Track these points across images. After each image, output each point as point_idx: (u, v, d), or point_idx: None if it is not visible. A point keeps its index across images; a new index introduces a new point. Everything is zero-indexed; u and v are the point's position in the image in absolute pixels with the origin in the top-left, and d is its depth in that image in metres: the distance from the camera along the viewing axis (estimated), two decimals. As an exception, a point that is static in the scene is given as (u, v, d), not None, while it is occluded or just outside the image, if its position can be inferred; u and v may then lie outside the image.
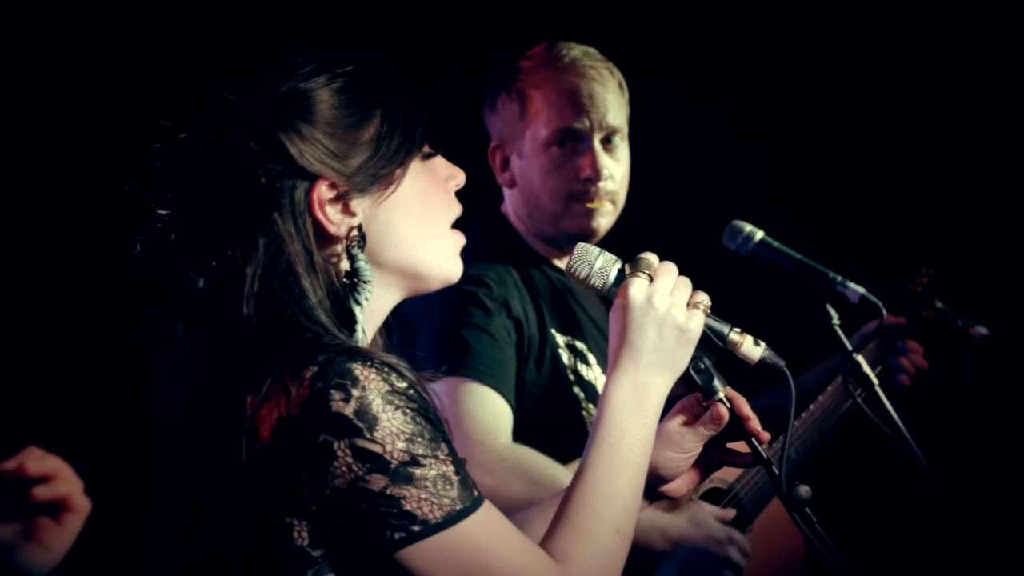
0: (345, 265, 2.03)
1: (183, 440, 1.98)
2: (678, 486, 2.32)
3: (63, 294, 3.75)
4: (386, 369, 1.89)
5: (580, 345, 3.43)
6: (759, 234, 3.29)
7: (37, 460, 1.54)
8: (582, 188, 3.45)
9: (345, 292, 2.01)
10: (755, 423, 2.22)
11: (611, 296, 2.16)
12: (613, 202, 3.47)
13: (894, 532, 4.36)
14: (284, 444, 1.86)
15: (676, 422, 2.25)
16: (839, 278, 3.26)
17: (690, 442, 2.25)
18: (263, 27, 3.87)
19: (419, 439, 1.87)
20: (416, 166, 2.09)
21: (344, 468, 1.85)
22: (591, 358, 3.43)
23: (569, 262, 2.18)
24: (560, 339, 3.42)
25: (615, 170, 3.46)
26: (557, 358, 3.38)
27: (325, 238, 2.02)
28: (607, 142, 3.47)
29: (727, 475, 3.48)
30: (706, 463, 2.32)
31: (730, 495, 3.44)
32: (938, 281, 3.51)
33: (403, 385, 1.89)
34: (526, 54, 3.54)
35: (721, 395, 2.21)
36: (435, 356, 3.04)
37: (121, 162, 2.07)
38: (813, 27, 4.61)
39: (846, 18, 4.62)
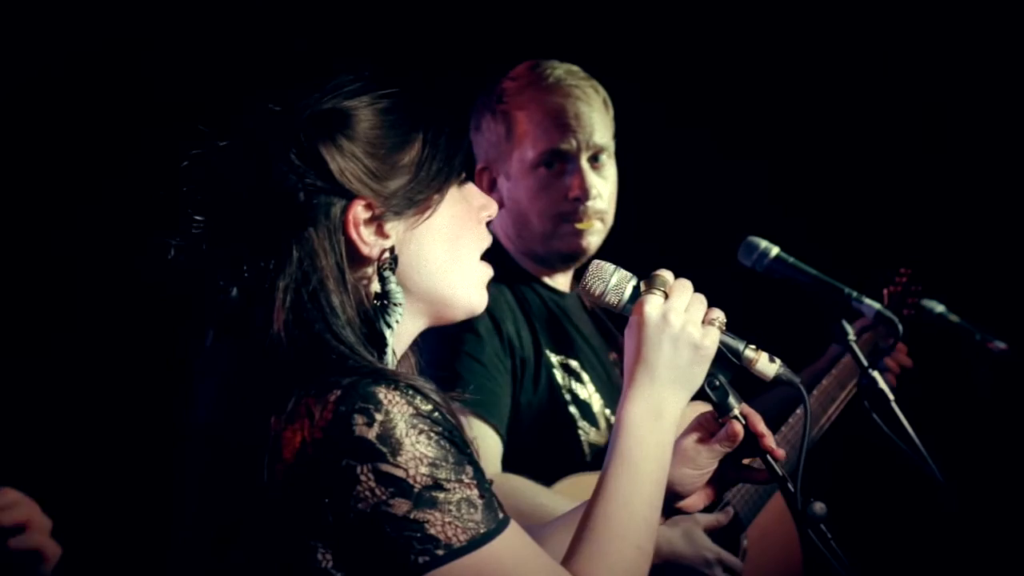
0: (375, 287, 2.02)
1: (209, 454, 1.98)
2: (694, 502, 2.32)
3: (96, 301, 3.76)
4: (411, 392, 1.88)
5: (574, 364, 3.45)
6: (775, 250, 3.29)
7: (10, 508, 1.55)
8: (571, 208, 3.47)
9: (375, 314, 2.00)
10: (770, 440, 2.22)
11: (626, 313, 2.16)
12: (602, 220, 3.49)
13: (910, 548, 4.35)
14: (308, 468, 1.86)
15: (691, 439, 2.25)
16: (855, 294, 3.26)
17: (705, 459, 2.25)
18: (307, 39, 3.88)
19: (443, 463, 1.87)
20: (452, 193, 2.08)
21: (367, 492, 1.84)
22: (585, 376, 3.44)
23: (584, 280, 2.18)
24: (554, 359, 3.44)
25: (603, 189, 3.49)
26: (552, 378, 3.40)
27: (357, 258, 2.01)
28: (594, 161, 3.49)
29: None
30: (721, 480, 2.33)
31: (722, 504, 3.45)
32: (918, 279, 3.52)
33: (428, 408, 1.89)
34: (510, 75, 3.55)
35: (736, 412, 2.21)
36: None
37: (158, 166, 2.07)
38: (812, 33, 4.61)
39: (843, 22, 4.62)
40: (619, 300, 2.17)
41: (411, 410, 1.87)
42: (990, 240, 4.61)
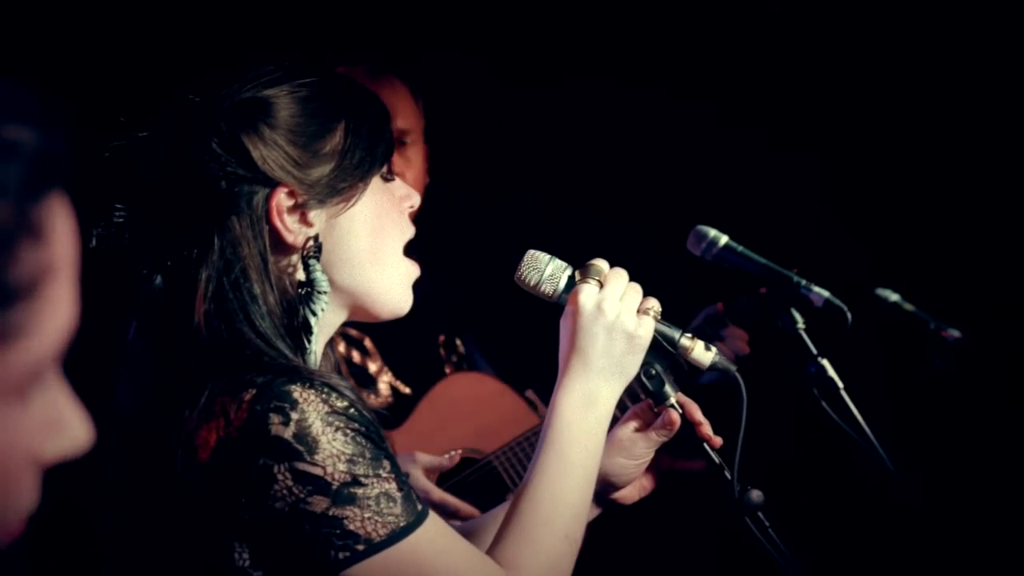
0: (300, 275, 2.02)
1: (129, 447, 1.98)
2: (630, 493, 2.33)
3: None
4: (326, 389, 1.89)
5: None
6: (723, 239, 3.28)
7: None
8: None
9: (300, 302, 2.00)
10: (707, 428, 2.22)
11: (561, 303, 2.16)
12: None
13: (859, 537, 4.36)
14: (224, 467, 1.86)
15: (628, 428, 2.26)
16: (803, 282, 3.25)
17: (642, 448, 2.26)
18: (234, 29, 3.87)
19: (360, 459, 1.87)
20: (376, 183, 2.08)
21: (285, 491, 1.85)
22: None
23: (519, 269, 2.18)
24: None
25: (403, 168, 3.59)
26: None
27: (281, 247, 2.01)
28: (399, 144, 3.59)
29: (485, 446, 3.66)
30: (658, 469, 2.33)
31: (481, 463, 3.61)
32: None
33: (343, 405, 1.89)
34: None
35: (672, 401, 2.22)
36: None
37: (80, 157, 2.06)
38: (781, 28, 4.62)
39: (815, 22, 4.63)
40: (554, 290, 2.17)
41: (326, 408, 1.87)
42: (945, 229, 4.62)
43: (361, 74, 3.51)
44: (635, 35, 4.60)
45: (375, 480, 1.88)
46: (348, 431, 1.87)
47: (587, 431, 2.09)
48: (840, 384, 3.25)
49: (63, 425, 1.10)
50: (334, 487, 1.85)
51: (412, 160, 3.64)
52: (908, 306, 3.71)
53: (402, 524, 1.88)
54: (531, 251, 2.19)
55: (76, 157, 1.07)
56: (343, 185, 2.03)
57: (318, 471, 1.85)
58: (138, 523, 1.96)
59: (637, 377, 2.17)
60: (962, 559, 3.72)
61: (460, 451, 3.58)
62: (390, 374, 3.77)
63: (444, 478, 3.60)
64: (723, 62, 4.63)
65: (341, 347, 3.71)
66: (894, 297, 3.71)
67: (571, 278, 2.16)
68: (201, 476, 1.87)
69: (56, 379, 1.10)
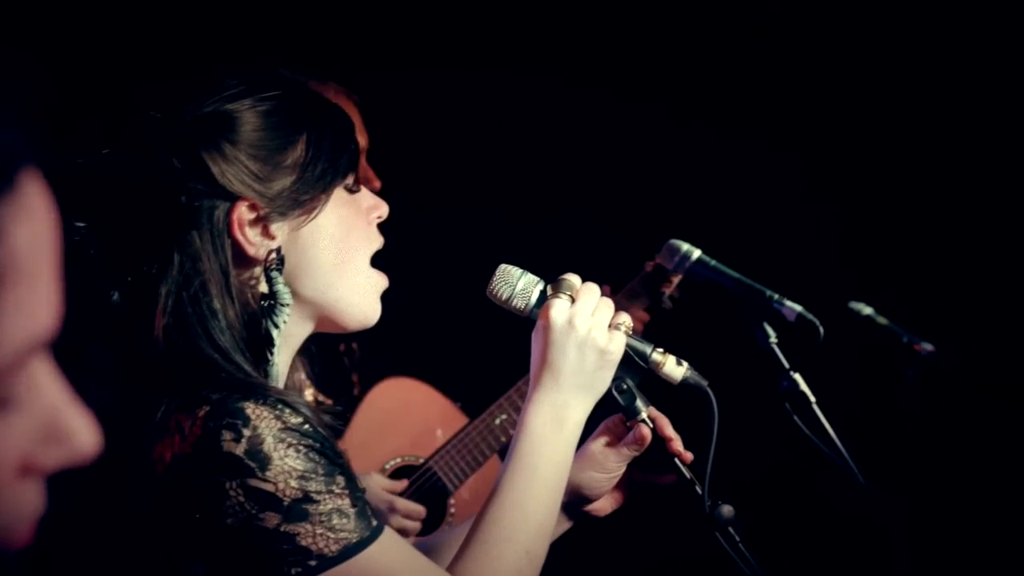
0: (263, 288, 2.02)
1: (88, 467, 1.97)
2: (602, 506, 2.33)
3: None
4: (280, 406, 1.89)
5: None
6: (696, 253, 3.29)
7: None
8: None
9: (262, 314, 2.00)
10: (677, 444, 2.22)
11: (533, 317, 2.16)
12: None
13: (828, 551, 4.37)
14: (178, 484, 1.86)
15: (599, 443, 2.27)
16: (776, 296, 3.25)
17: (613, 462, 2.26)
18: (192, 44, 3.87)
19: (312, 475, 1.87)
20: (340, 195, 2.08)
21: (237, 507, 1.85)
22: None
23: (491, 284, 2.18)
24: None
25: None
26: None
27: (244, 260, 2.01)
28: None
29: (422, 452, 3.77)
30: (630, 483, 2.33)
31: (422, 470, 3.69)
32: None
33: (297, 421, 1.89)
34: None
35: (644, 416, 2.22)
36: None
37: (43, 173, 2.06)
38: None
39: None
40: (526, 304, 2.17)
41: (279, 424, 1.87)
42: (918, 243, 4.64)
43: (331, 90, 3.55)
44: (607, 42, 4.61)
45: (327, 496, 1.87)
46: (301, 447, 1.87)
47: (556, 446, 2.08)
48: (812, 398, 3.25)
49: (62, 432, 1.09)
50: (286, 503, 1.85)
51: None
52: (881, 320, 3.72)
53: (355, 540, 1.88)
54: (503, 265, 2.19)
55: (38, 160, 1.06)
56: (305, 197, 2.03)
57: (269, 487, 1.85)
58: (97, 539, 1.96)
59: (608, 392, 2.17)
60: (934, 572, 3.73)
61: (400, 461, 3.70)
62: (312, 388, 3.80)
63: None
64: (699, 75, 4.65)
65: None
66: (867, 311, 3.72)
67: (543, 293, 2.16)
68: (156, 492, 1.87)
69: (53, 385, 1.09)
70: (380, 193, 3.58)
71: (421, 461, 3.77)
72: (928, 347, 3.68)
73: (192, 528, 1.86)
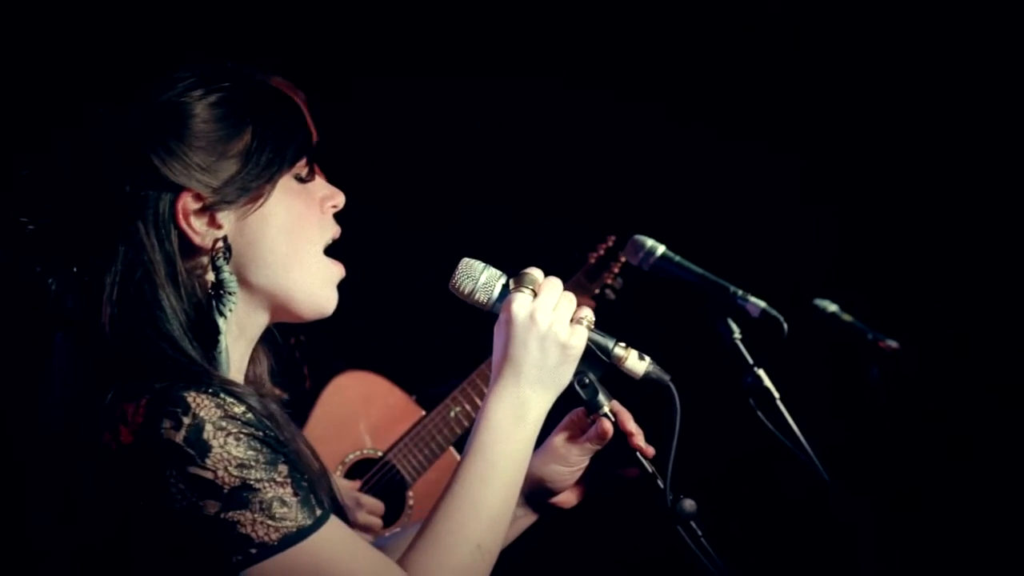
0: (211, 277, 2.04)
1: (50, 451, 2.00)
2: (567, 498, 2.33)
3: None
4: (221, 395, 1.91)
5: None
6: (660, 248, 3.29)
7: None
8: None
9: (208, 303, 2.02)
10: (639, 439, 2.23)
11: (496, 311, 2.16)
12: None
13: (790, 546, 4.38)
14: (122, 471, 1.88)
15: (562, 436, 2.27)
16: (740, 292, 3.26)
17: (576, 456, 2.27)
18: (141, 38, 3.86)
19: (253, 463, 1.89)
20: (290, 185, 2.10)
21: (178, 496, 1.86)
22: None
23: (453, 278, 2.17)
24: None
25: None
26: None
27: (191, 249, 2.04)
28: None
29: (380, 445, 3.81)
30: (594, 476, 2.33)
31: (380, 463, 3.75)
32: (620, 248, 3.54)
33: (239, 410, 1.91)
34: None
35: (606, 409, 2.22)
36: None
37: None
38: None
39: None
40: (488, 298, 2.16)
41: (219, 412, 1.89)
42: (883, 240, 4.66)
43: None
44: (575, 36, 4.61)
45: (268, 484, 1.89)
46: (242, 435, 1.89)
47: (515, 441, 2.08)
48: (776, 394, 3.26)
49: None
50: (225, 491, 1.87)
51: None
52: (846, 317, 3.73)
53: (295, 528, 1.89)
54: (465, 259, 2.18)
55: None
56: (251, 187, 2.05)
57: (208, 475, 1.87)
58: (56, 525, 1.98)
59: (571, 386, 2.17)
60: (898, 568, 3.75)
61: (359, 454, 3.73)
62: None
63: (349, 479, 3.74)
64: (666, 69, 4.65)
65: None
66: (832, 308, 3.74)
67: (505, 287, 2.16)
68: (103, 480, 1.89)
69: None
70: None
71: (380, 455, 3.82)
72: (892, 344, 3.70)
73: (137, 515, 1.88)
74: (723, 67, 4.63)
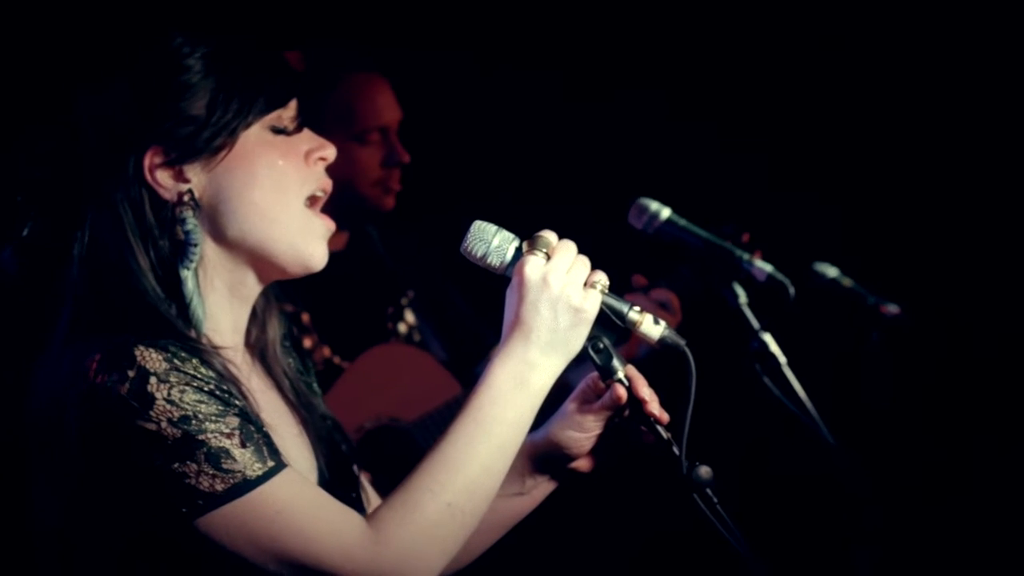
0: (181, 232, 2.06)
1: (36, 414, 2.03)
2: (585, 463, 2.30)
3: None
4: (171, 348, 1.93)
5: None
6: (666, 212, 3.25)
7: None
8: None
9: (174, 256, 2.04)
10: (653, 405, 2.19)
11: (509, 275, 2.12)
12: None
13: (801, 512, 4.38)
14: (78, 424, 1.92)
15: (577, 402, 2.24)
16: (746, 256, 3.23)
17: (591, 422, 2.24)
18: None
19: (198, 415, 1.91)
20: (264, 136, 2.10)
21: (126, 448, 1.90)
22: None
23: (465, 241, 2.13)
24: None
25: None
26: None
27: (160, 205, 2.06)
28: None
29: (407, 416, 3.75)
30: (610, 441, 2.29)
31: (401, 434, 3.70)
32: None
33: (185, 363, 1.93)
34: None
35: (620, 375, 2.18)
36: None
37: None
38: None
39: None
40: (501, 262, 2.12)
41: (165, 366, 1.91)
42: (884, 204, 4.64)
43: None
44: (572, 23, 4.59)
45: (214, 436, 1.91)
46: (187, 387, 1.91)
47: (514, 406, 2.04)
48: (782, 359, 3.24)
49: None
50: (169, 442, 1.89)
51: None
52: (846, 281, 3.70)
53: (240, 479, 1.91)
54: (477, 222, 2.14)
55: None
56: (217, 140, 2.07)
57: (152, 427, 1.89)
58: (35, 485, 2.04)
59: (585, 350, 2.13)
60: (903, 533, 3.74)
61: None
62: (327, 349, 3.74)
63: (363, 450, 3.62)
64: (666, 41, 4.63)
65: None
66: (832, 272, 3.70)
67: (518, 250, 2.12)
68: (65, 434, 1.92)
69: None
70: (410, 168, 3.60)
71: (403, 425, 3.74)
72: (893, 309, 3.67)
73: (92, 468, 1.92)
74: (720, 51, 4.62)
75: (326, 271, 3.67)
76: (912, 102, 4.60)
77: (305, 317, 3.75)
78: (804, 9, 4.59)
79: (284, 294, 3.61)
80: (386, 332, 3.90)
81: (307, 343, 3.75)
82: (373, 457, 3.63)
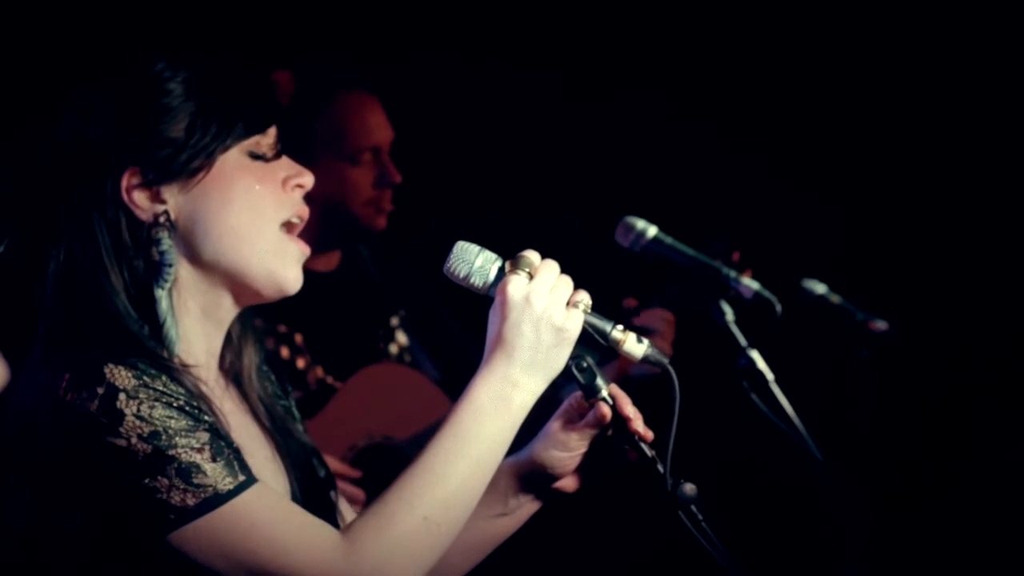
0: (156, 253, 2.07)
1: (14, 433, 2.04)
2: (569, 483, 2.30)
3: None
4: (140, 366, 1.95)
5: None
6: (652, 230, 3.27)
7: None
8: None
9: (148, 276, 2.06)
10: (637, 423, 2.19)
11: (492, 295, 2.12)
12: None
13: (789, 528, 4.38)
14: (47, 442, 1.93)
15: (560, 422, 2.24)
16: (733, 274, 3.24)
17: (575, 441, 2.23)
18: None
19: (167, 431, 1.92)
20: (241, 161, 2.11)
21: (97, 464, 1.91)
22: None
23: (448, 262, 2.14)
24: None
25: None
26: None
27: (136, 225, 2.07)
28: None
29: (401, 435, 3.74)
30: (594, 461, 2.30)
31: (393, 452, 3.70)
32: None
33: (155, 380, 1.94)
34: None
35: (604, 393, 2.19)
36: None
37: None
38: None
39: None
40: (484, 282, 2.13)
41: (135, 383, 1.93)
42: (872, 221, 4.65)
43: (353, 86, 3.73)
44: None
45: (184, 451, 1.92)
46: (156, 404, 1.93)
47: (494, 424, 2.04)
48: (770, 376, 3.25)
49: None
50: (140, 457, 1.91)
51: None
52: (835, 297, 3.71)
53: (212, 493, 1.92)
54: (460, 243, 2.14)
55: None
56: (194, 163, 2.08)
57: (122, 443, 1.91)
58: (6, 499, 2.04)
59: (568, 370, 2.14)
60: (890, 549, 3.74)
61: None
62: (319, 369, 3.75)
63: (355, 466, 3.64)
64: (666, 41, 4.63)
65: (270, 343, 3.67)
66: (821, 289, 3.72)
67: (501, 270, 2.12)
68: (34, 449, 1.94)
69: None
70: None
71: (396, 443, 3.75)
72: (882, 325, 3.68)
73: (62, 485, 1.93)
74: (717, 54, 4.62)
75: (318, 291, 3.70)
76: (911, 102, 4.60)
77: (298, 337, 3.75)
78: (804, 9, 4.60)
79: (277, 314, 3.63)
80: (378, 352, 3.90)
81: (300, 363, 3.75)
82: (366, 475, 3.63)
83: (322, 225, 3.54)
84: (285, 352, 3.72)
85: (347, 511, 2.34)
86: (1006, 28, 4.50)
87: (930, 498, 4.47)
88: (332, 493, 2.29)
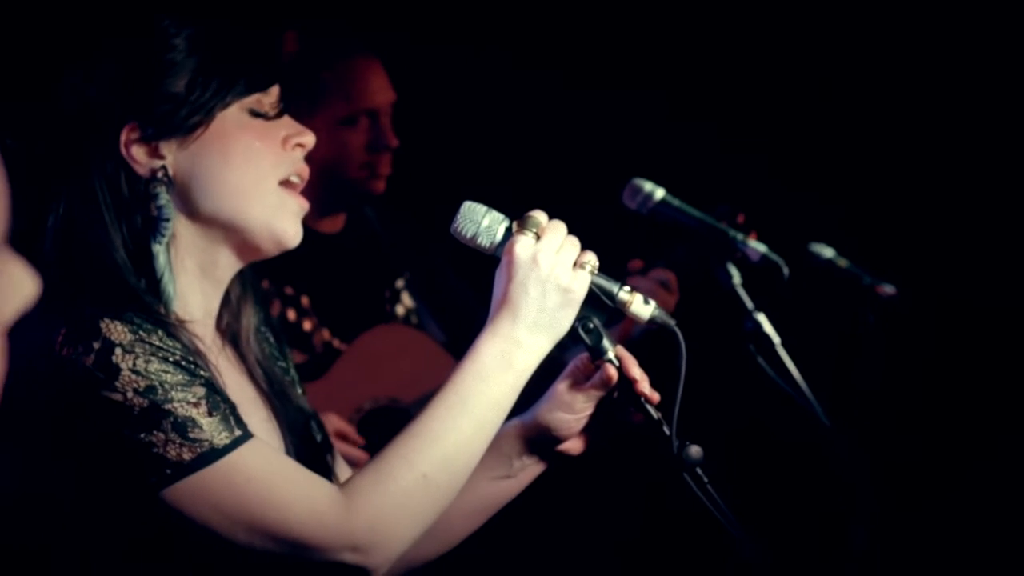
0: (154, 208, 2.08)
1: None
2: (574, 445, 2.29)
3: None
4: (136, 320, 1.95)
5: None
6: (659, 192, 3.24)
7: None
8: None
9: (146, 231, 2.06)
10: (644, 384, 2.18)
11: (499, 255, 2.11)
12: None
13: (794, 492, 4.38)
14: (46, 396, 1.93)
15: (566, 383, 2.23)
16: (740, 236, 3.22)
17: (581, 403, 2.22)
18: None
19: (163, 385, 1.93)
20: (241, 118, 2.11)
21: (93, 418, 1.92)
22: None
23: (455, 222, 2.13)
24: None
25: None
26: None
27: (135, 180, 2.07)
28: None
29: (406, 397, 3.72)
30: (599, 422, 2.29)
31: (400, 414, 3.67)
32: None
33: (151, 335, 1.95)
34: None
35: (610, 355, 2.18)
36: None
37: None
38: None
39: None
40: (491, 242, 2.12)
41: (130, 337, 1.93)
42: (880, 184, 4.64)
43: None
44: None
45: (180, 405, 1.92)
46: (152, 358, 1.93)
47: (497, 384, 2.04)
48: (776, 339, 3.23)
49: (13, 283, 1.16)
50: (136, 412, 1.91)
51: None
52: (842, 262, 3.70)
53: (208, 448, 1.92)
54: (467, 202, 2.13)
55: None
56: (193, 119, 2.08)
57: (118, 397, 1.91)
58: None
59: (574, 330, 2.13)
60: (895, 515, 3.74)
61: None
62: (326, 331, 3.74)
63: (362, 430, 3.62)
64: (666, 41, 4.62)
65: (276, 306, 3.65)
66: (828, 253, 3.69)
67: (508, 230, 2.11)
68: (33, 407, 1.94)
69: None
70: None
71: (403, 405, 3.73)
72: (889, 289, 3.66)
73: (58, 440, 1.94)
74: (717, 54, 4.61)
75: (324, 253, 3.69)
76: (911, 95, 4.59)
77: (304, 300, 3.74)
78: (804, 9, 4.58)
79: (283, 276, 3.62)
80: (384, 314, 3.89)
81: (307, 325, 3.74)
82: (371, 438, 3.62)
83: (322, 187, 3.52)
84: (292, 314, 3.71)
85: (345, 475, 2.34)
86: (1006, 28, 4.48)
87: (938, 463, 4.47)
88: (329, 457, 2.28)
